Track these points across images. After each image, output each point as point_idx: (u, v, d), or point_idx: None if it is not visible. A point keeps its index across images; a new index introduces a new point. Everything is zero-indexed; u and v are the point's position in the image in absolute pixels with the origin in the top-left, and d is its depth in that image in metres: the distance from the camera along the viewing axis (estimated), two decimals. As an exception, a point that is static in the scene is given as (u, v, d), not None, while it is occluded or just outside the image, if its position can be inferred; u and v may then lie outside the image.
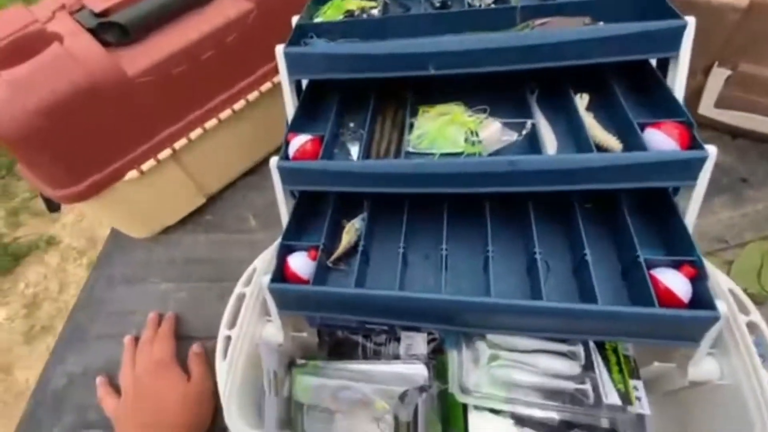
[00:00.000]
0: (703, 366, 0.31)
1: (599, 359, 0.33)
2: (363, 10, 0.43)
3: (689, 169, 0.29)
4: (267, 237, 0.56)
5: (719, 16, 0.43)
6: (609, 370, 0.33)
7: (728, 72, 0.47)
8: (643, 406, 0.32)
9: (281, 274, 0.35)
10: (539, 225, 0.34)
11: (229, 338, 0.37)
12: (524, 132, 0.34)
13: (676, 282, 0.29)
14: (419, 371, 0.33)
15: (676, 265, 0.30)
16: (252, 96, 0.53)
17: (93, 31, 0.43)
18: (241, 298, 0.39)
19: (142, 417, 0.41)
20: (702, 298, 0.28)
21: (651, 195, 0.34)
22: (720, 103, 0.50)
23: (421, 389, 0.31)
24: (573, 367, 0.32)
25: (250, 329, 0.38)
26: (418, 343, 0.37)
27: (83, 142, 0.42)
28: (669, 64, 0.33)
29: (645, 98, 0.35)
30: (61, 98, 0.39)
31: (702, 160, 0.29)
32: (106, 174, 0.45)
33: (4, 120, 0.38)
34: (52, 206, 0.52)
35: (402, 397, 0.30)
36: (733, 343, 0.30)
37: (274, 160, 0.35)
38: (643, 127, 0.32)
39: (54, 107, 0.39)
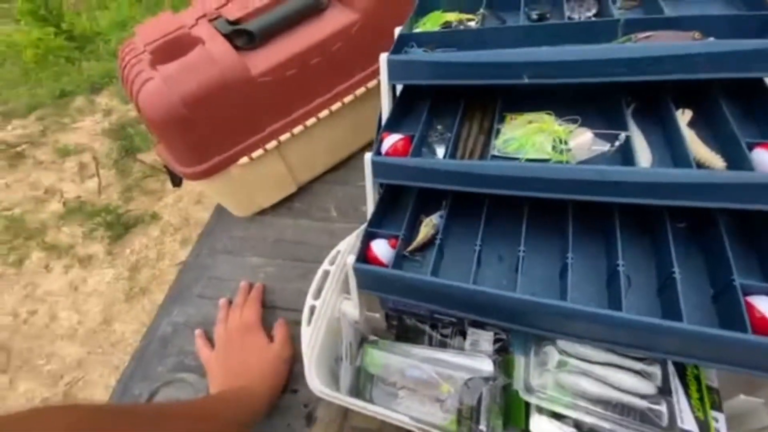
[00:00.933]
0: (802, 407, 0.28)
1: (678, 384, 0.32)
2: (461, 21, 0.46)
3: (803, 193, 0.27)
4: (344, 226, 0.62)
5: None
6: (688, 396, 0.31)
7: None
8: (724, 439, 0.30)
9: (364, 256, 0.39)
10: (624, 237, 0.34)
11: (313, 308, 0.41)
12: (617, 143, 0.34)
13: (776, 311, 0.27)
14: (485, 364, 0.34)
15: (778, 294, 0.28)
16: (347, 99, 0.58)
17: (227, 36, 0.51)
18: (326, 274, 0.44)
19: (230, 368, 0.47)
20: (807, 333, 0.26)
21: (751, 218, 0.32)
22: None
23: (487, 379, 0.32)
24: (647, 387, 0.32)
25: (332, 303, 0.42)
26: (483, 340, 0.38)
27: (211, 129, 0.51)
28: (789, 83, 0.31)
29: (754, 118, 0.33)
30: (201, 91, 0.47)
31: (821, 186, 0.27)
32: (224, 158, 0.53)
33: (157, 107, 0.47)
34: (176, 181, 0.62)
35: (467, 383, 0.32)
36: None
37: (368, 155, 0.39)
38: (751, 147, 0.30)
39: (195, 98, 0.47)
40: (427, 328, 0.41)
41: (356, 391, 0.37)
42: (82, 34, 2.83)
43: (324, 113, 0.57)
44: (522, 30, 0.40)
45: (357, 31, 0.54)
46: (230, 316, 0.53)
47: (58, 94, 2.61)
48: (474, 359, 0.35)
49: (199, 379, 0.50)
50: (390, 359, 0.36)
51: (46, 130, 2.47)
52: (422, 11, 0.49)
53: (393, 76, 0.41)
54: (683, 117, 0.34)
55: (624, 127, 0.35)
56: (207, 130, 0.50)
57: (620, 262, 0.32)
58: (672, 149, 0.34)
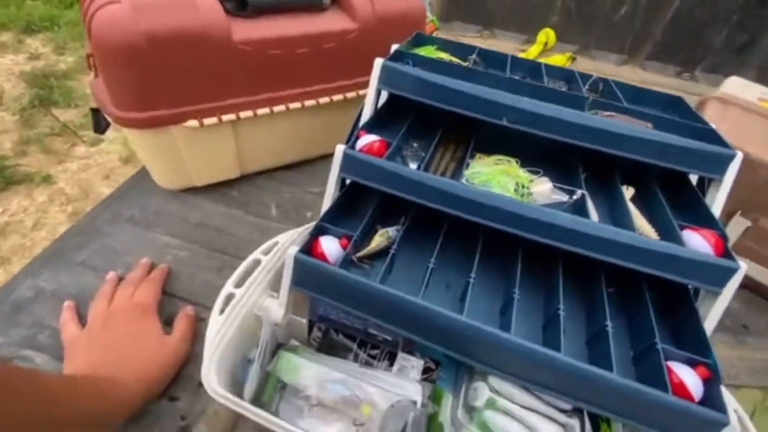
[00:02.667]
0: (699, 478, 0.30)
1: (593, 442, 0.32)
2: (451, 61, 0.49)
3: (719, 275, 0.31)
4: (281, 227, 0.56)
5: (753, 169, 0.48)
6: (600, 454, 0.31)
7: (748, 223, 0.52)
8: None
9: (309, 249, 0.35)
10: (565, 287, 0.35)
11: (231, 296, 0.36)
12: (574, 197, 0.36)
13: (690, 378, 0.29)
14: (413, 390, 0.31)
15: (692, 364, 0.30)
16: (323, 100, 0.57)
17: (218, -4, 0.48)
18: (256, 264, 0.39)
19: (101, 353, 0.38)
20: (713, 402, 0.28)
21: (673, 293, 0.36)
22: (735, 248, 0.53)
23: (414, 403, 0.29)
24: (566, 438, 0.31)
25: (254, 296, 0.37)
26: (412, 367, 0.36)
27: (168, 76, 0.45)
28: (709, 184, 0.37)
29: (681, 205, 0.38)
30: (171, 32, 0.42)
31: (732, 271, 0.31)
32: (171, 113, 0.47)
33: (114, 32, 0.41)
34: (99, 126, 0.53)
35: (394, 405, 0.28)
36: (732, 463, 0.29)
37: (340, 146, 0.37)
38: (681, 228, 0.34)
39: (162, 36, 0.42)
40: (354, 345, 0.38)
41: (260, 402, 0.31)
42: (34, -31, 2.53)
43: (295, 105, 0.55)
44: (508, 80, 0.43)
45: (352, 39, 0.54)
46: (118, 292, 0.43)
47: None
48: (402, 383, 0.32)
49: (50, 362, 0.39)
50: (309, 368, 0.32)
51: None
52: (418, 43, 0.51)
53: (383, 81, 0.41)
54: (627, 192, 0.38)
55: (578, 187, 0.38)
56: (162, 76, 0.44)
57: (561, 306, 0.33)
58: (615, 216, 0.37)
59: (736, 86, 0.59)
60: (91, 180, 1.61)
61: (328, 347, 0.38)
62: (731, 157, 0.35)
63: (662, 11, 1.14)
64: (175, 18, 0.43)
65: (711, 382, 0.29)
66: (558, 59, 1.13)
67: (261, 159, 0.61)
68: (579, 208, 0.36)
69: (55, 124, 1.80)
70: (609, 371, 0.29)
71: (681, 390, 0.29)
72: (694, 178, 0.41)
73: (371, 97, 0.42)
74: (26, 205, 1.48)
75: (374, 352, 0.37)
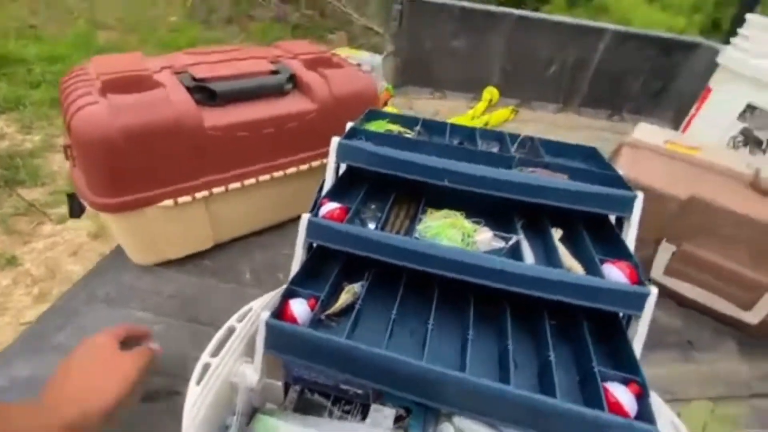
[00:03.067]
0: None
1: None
2: (400, 132, 0.56)
3: (636, 300, 0.36)
4: (256, 293, 0.58)
5: (663, 202, 0.56)
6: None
7: (674, 248, 0.59)
8: None
9: (280, 313, 0.38)
10: (513, 327, 0.39)
11: (208, 366, 0.37)
12: (510, 243, 0.42)
13: (624, 396, 0.33)
14: (383, 436, 0.33)
15: (625, 382, 0.34)
16: (290, 170, 0.62)
17: (189, 90, 0.54)
18: (231, 331, 0.41)
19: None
20: (644, 415, 0.32)
21: (606, 323, 0.41)
22: (668, 272, 0.60)
23: None
24: (528, 470, 0.34)
25: (229, 364, 0.39)
26: (385, 417, 0.38)
27: (143, 164, 0.49)
28: (621, 221, 0.44)
29: (603, 242, 0.44)
30: (147, 127, 0.48)
31: (645, 295, 0.36)
32: (145, 196, 0.51)
33: (93, 129, 0.46)
34: (75, 211, 0.56)
35: None
36: (673, 472, 0.33)
37: (305, 215, 0.42)
38: (602, 262, 0.40)
39: (137, 133, 0.47)
40: (328, 403, 0.40)
41: (237, 467, 0.32)
42: (4, 55, 2.60)
43: (264, 177, 0.60)
44: (447, 147, 0.50)
45: (311, 119, 0.61)
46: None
47: (-56, 104, 2.24)
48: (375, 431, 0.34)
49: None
50: (286, 429, 0.33)
51: None
52: (370, 118, 0.59)
53: (341, 156, 0.47)
54: (556, 234, 0.44)
55: (514, 233, 0.44)
56: (137, 165, 0.49)
57: (509, 343, 0.37)
58: (547, 256, 0.42)
59: (646, 132, 0.69)
60: (57, 258, 1.58)
61: (303, 408, 0.40)
62: (633, 198, 0.42)
63: (586, 67, 1.32)
64: (150, 113, 0.48)
65: (641, 396, 0.33)
66: (502, 113, 1.26)
67: (234, 228, 0.65)
68: (515, 252, 0.42)
69: (20, 203, 1.78)
70: (553, 397, 0.32)
71: (617, 408, 0.33)
72: (613, 218, 0.48)
73: (331, 170, 0.47)
74: (-13, 291, 1.42)
75: (348, 407, 0.39)
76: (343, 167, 0.51)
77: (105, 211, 0.50)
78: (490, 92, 1.33)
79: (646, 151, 0.63)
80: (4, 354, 0.48)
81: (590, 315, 0.41)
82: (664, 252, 0.60)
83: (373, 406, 0.38)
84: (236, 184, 0.58)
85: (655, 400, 0.38)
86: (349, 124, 0.52)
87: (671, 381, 0.52)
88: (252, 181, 0.59)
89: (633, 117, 1.37)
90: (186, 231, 0.59)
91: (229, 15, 3.40)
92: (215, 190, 0.56)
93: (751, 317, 0.54)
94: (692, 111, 0.91)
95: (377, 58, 1.12)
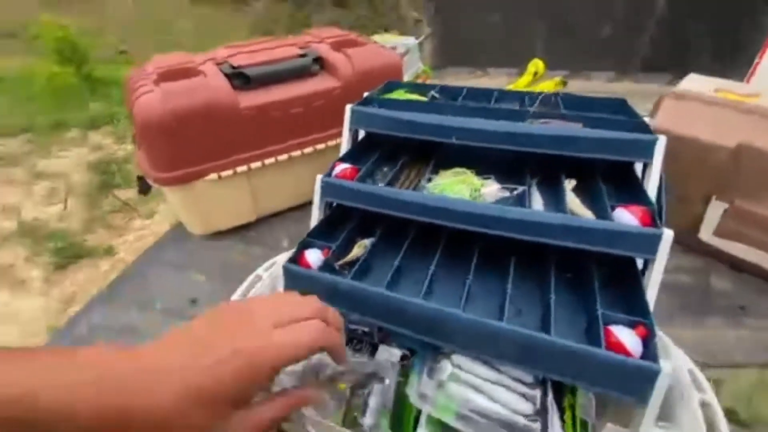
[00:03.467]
0: (654, 433, 0.31)
1: (555, 410, 0.34)
2: (413, 100, 0.58)
3: (646, 242, 0.35)
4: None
5: (711, 153, 0.51)
6: (562, 420, 0.34)
7: (725, 205, 0.53)
8: (589, 463, 0.32)
9: (297, 261, 0.42)
10: (522, 277, 0.40)
11: (237, 305, 0.43)
12: (515, 192, 0.42)
13: (628, 337, 0.32)
14: (382, 367, 0.36)
15: (632, 325, 0.33)
16: (320, 146, 0.67)
17: (228, 76, 0.61)
18: (258, 279, 0.46)
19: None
20: (649, 354, 0.31)
21: (622, 270, 0.39)
22: (719, 233, 0.55)
23: (382, 379, 0.34)
24: (527, 407, 0.34)
25: (257, 305, 0.44)
26: (391, 354, 0.40)
27: (191, 142, 0.57)
28: (645, 169, 0.41)
29: (622, 190, 0.42)
30: (191, 108, 0.55)
31: (657, 237, 0.34)
32: (195, 170, 0.59)
33: (150, 113, 0.54)
34: (143, 190, 0.66)
35: (365, 375, 0.33)
36: (684, 418, 0.31)
37: (319, 176, 0.46)
38: (614, 208, 0.38)
39: (184, 112, 0.55)
40: (342, 342, 0.43)
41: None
42: (99, 78, 3.04)
43: (296, 153, 0.65)
44: (458, 107, 0.51)
45: (337, 95, 0.65)
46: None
47: (54, 123, 2.69)
48: (378, 361, 0.37)
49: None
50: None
51: (30, 152, 2.49)
52: (389, 89, 0.61)
53: (354, 122, 0.50)
54: (569, 184, 0.43)
55: (525, 185, 0.44)
56: (186, 142, 0.57)
57: (509, 287, 0.37)
58: (556, 205, 0.41)
59: (694, 82, 0.63)
60: (145, 247, 1.82)
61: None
62: (653, 142, 0.40)
63: (643, 27, 1.20)
64: (192, 97, 0.55)
65: (648, 338, 0.32)
66: (547, 85, 1.20)
67: (272, 203, 0.71)
68: (522, 201, 0.41)
69: (115, 203, 2.08)
70: (548, 334, 0.32)
71: (619, 349, 0.32)
72: (639, 170, 0.45)
73: (346, 135, 0.51)
74: (92, 276, 1.69)
75: (359, 345, 0.42)
76: (362, 135, 0.54)
77: (162, 184, 0.59)
78: (535, 65, 1.27)
79: (692, 101, 0.58)
80: (86, 307, 0.59)
81: (605, 264, 0.39)
82: (714, 210, 0.54)
83: (381, 347, 0.41)
84: (271, 160, 0.64)
85: (675, 351, 0.36)
86: (366, 94, 0.55)
87: (716, 345, 0.47)
88: (284, 157, 0.64)
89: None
90: (231, 204, 0.66)
91: (289, 24, 3.60)
92: (253, 165, 0.63)
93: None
94: (756, 59, 0.80)
95: (412, 40, 1.13)
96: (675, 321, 0.49)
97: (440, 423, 0.34)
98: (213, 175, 0.60)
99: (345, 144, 0.51)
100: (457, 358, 0.36)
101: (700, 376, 0.33)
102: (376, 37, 1.15)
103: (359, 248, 0.45)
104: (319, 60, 0.67)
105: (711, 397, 0.32)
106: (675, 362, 0.34)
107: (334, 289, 0.39)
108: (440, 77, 1.34)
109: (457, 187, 0.45)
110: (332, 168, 0.47)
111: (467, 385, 0.35)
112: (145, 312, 0.56)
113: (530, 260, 0.42)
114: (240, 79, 0.62)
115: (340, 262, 0.43)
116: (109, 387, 0.21)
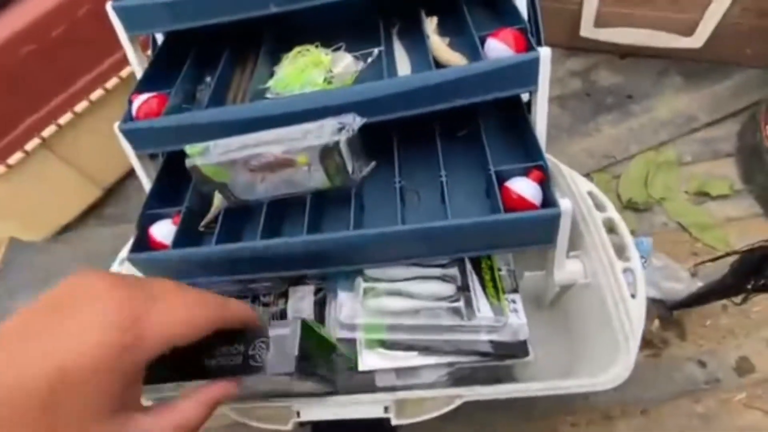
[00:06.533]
0: (567, 268, 0.31)
1: (475, 278, 0.33)
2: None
3: (526, 73, 0.29)
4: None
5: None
6: (484, 287, 0.33)
7: (600, -11, 0.48)
8: (519, 317, 0.32)
9: (144, 244, 0.33)
10: (405, 157, 0.34)
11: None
12: (369, 60, 0.32)
13: (526, 188, 0.29)
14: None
15: (527, 172, 0.30)
16: (113, 81, 0.49)
17: None
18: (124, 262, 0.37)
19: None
20: (548, 200, 0.28)
21: (509, 115, 0.34)
22: (600, 22, 0.50)
23: (342, 128, 0.28)
24: (448, 289, 0.32)
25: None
26: (305, 294, 0.36)
27: None
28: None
29: (493, 14, 0.34)
30: None
31: (534, 62, 0.28)
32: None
33: None
34: None
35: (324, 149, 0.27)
36: (590, 241, 0.31)
37: (116, 125, 0.33)
38: (483, 39, 0.31)
39: None
40: (248, 302, 0.38)
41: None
42: None
43: (97, 94, 0.48)
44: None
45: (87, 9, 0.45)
46: None
47: None
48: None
49: None
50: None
51: None
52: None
53: (129, 27, 0.34)
54: (431, 24, 0.34)
55: (377, 45, 0.34)
56: None
57: (397, 179, 0.32)
58: (423, 58, 0.33)
59: None
60: None
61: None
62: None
63: None
64: None
65: (545, 182, 0.29)
66: None
67: (110, 165, 0.56)
68: (389, 65, 0.32)
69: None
70: (446, 219, 0.28)
71: (521, 203, 0.29)
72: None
73: (130, 52, 0.36)
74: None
75: (266, 299, 0.37)
76: (160, 44, 0.39)
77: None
78: None
79: None
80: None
81: (493, 107, 0.34)
82: (591, 1, 0.49)
83: (290, 289, 0.36)
84: (67, 115, 0.46)
85: (570, 176, 0.34)
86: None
87: (611, 144, 0.48)
88: (84, 104, 0.47)
89: None
90: (54, 188, 0.51)
91: None
92: (45, 133, 0.46)
93: (694, 41, 0.47)
94: None
95: None
96: (572, 133, 0.48)
97: (376, 341, 0.32)
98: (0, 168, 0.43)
99: (134, 63, 0.36)
100: (371, 271, 0.33)
101: (601, 196, 0.32)
102: None
103: (218, 201, 0.35)
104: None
105: (611, 211, 0.31)
106: (575, 188, 0.33)
107: (206, 261, 0.31)
108: None
109: (306, 76, 0.35)
110: (129, 105, 0.34)
111: (385, 293, 0.32)
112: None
113: (416, 130, 0.35)
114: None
115: (204, 222, 0.35)
116: None
